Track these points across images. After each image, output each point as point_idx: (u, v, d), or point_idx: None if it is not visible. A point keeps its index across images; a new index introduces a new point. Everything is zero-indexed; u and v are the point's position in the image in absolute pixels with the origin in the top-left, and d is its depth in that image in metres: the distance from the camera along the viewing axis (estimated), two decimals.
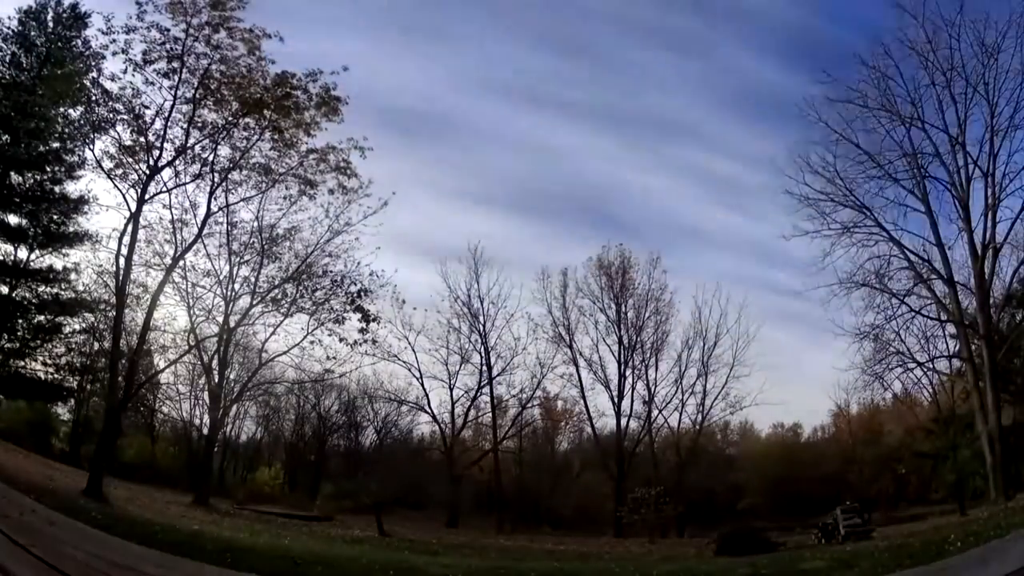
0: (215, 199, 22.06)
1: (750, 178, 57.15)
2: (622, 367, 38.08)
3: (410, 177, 50.73)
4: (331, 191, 23.25)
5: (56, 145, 23.31)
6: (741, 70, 51.76)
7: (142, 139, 19.99)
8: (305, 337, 24.74)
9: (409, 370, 36.01)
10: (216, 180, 21.52)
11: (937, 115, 23.83)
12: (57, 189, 25.21)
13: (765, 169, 51.52)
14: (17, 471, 17.24)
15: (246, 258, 25.15)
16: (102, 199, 24.15)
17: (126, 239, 19.87)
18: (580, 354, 38.29)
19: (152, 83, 19.42)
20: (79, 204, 25.22)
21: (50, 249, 25.35)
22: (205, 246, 24.09)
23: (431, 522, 31.01)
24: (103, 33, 19.20)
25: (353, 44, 46.50)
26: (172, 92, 19.54)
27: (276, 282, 24.75)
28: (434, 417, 37.37)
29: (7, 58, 23.51)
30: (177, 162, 20.62)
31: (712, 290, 38.90)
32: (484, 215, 59.35)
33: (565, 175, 55.71)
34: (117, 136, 20.13)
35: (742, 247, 59.10)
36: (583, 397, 38.68)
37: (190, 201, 22.40)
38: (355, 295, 24.57)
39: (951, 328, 25.86)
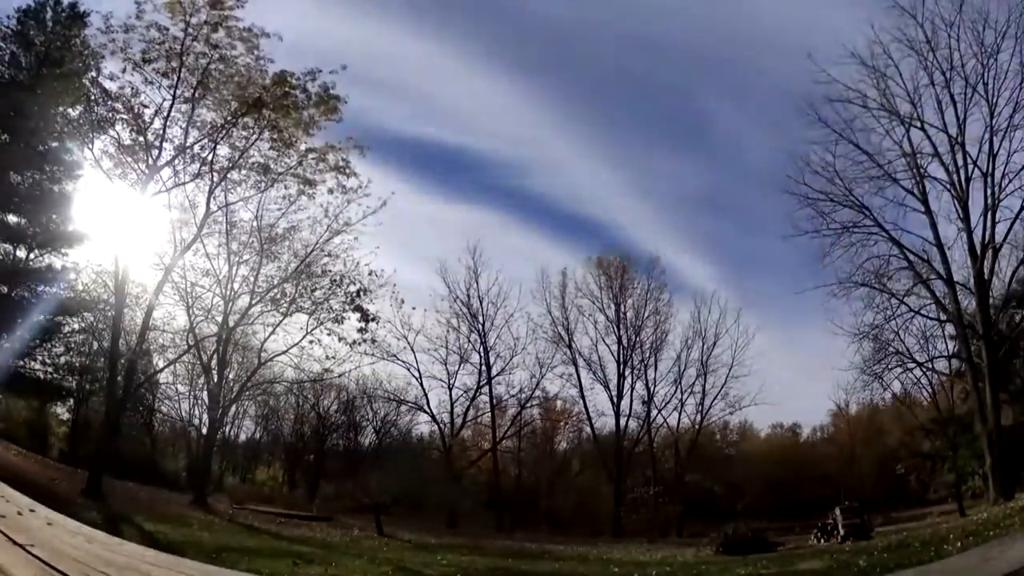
0: (214, 198, 22.13)
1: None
2: (621, 367, 38.23)
3: None
4: (330, 191, 23.28)
5: (55, 144, 23.26)
6: None
7: (141, 139, 20.02)
8: (304, 337, 24.78)
9: (408, 370, 36.15)
10: (215, 179, 21.57)
11: (936, 115, 23.80)
12: (56, 188, 25.17)
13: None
14: (16, 471, 17.24)
15: (245, 257, 25.16)
16: (101, 198, 24.19)
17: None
18: (579, 354, 38.48)
19: (151, 82, 19.49)
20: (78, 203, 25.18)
21: (49, 249, 25.30)
22: (204, 245, 24.14)
23: (430, 522, 31.01)
24: (102, 32, 19.28)
25: None
26: (171, 91, 19.60)
27: (275, 282, 24.77)
28: (433, 417, 37.49)
29: (6, 57, 23.44)
30: (176, 161, 20.66)
31: (711, 290, 39.19)
32: None
33: None
34: (116, 135, 20.20)
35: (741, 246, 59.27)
36: (582, 397, 38.86)
37: (189, 200, 22.45)
38: (354, 295, 24.60)
39: (950, 328, 25.87)
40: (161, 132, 19.93)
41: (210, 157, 21.00)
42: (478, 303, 37.45)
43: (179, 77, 19.50)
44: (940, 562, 9.87)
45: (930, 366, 27.84)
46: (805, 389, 57.97)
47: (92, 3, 22.63)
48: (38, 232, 24.91)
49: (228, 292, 24.61)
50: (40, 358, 25.82)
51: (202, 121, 20.45)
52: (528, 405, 39.31)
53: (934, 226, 23.86)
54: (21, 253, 25.02)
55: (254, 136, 21.08)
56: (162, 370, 28.84)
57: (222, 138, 20.83)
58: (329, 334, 24.59)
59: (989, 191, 22.75)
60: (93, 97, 19.75)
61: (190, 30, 19.09)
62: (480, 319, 37.44)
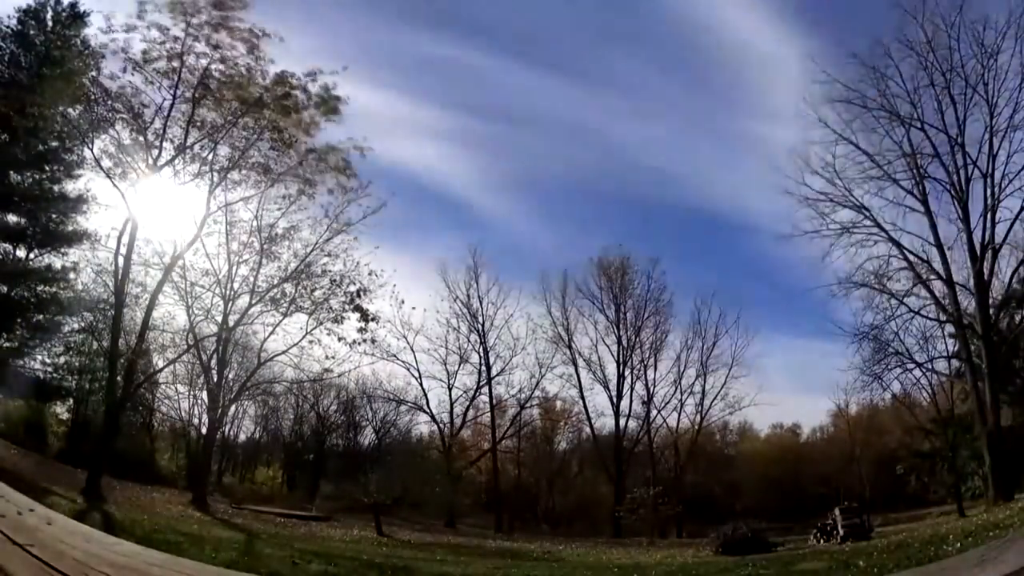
0: (214, 198, 22.06)
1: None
2: (621, 367, 38.30)
3: None
4: (330, 191, 23.23)
5: (55, 144, 23.28)
6: None
7: (141, 138, 19.98)
8: (304, 337, 24.69)
9: (408, 370, 36.24)
10: (215, 179, 21.52)
11: (936, 115, 23.84)
12: (56, 188, 25.20)
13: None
14: (16, 470, 17.25)
15: (245, 257, 25.08)
16: (101, 198, 24.21)
17: (125, 238, 19.87)
18: (579, 354, 38.54)
19: (152, 82, 19.42)
20: (78, 203, 25.23)
21: (49, 248, 25.33)
22: (204, 245, 24.09)
23: (429, 522, 31.04)
24: (103, 32, 19.21)
25: None
26: (171, 91, 19.54)
27: (275, 282, 24.70)
28: (433, 417, 37.55)
29: (6, 57, 23.49)
30: (176, 161, 20.61)
31: (711, 291, 39.26)
32: None
33: None
34: (116, 135, 20.12)
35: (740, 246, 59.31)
36: (582, 397, 38.92)
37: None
38: (354, 295, 24.56)
39: (950, 328, 25.87)
40: (161, 132, 19.90)
41: (210, 157, 20.97)
42: (478, 303, 37.57)
43: (179, 77, 19.46)
44: (939, 563, 9.85)
45: (930, 366, 27.83)
46: (805, 389, 58.14)
47: (93, 3, 22.68)
48: (38, 232, 24.95)
49: (228, 292, 24.58)
50: (40, 357, 25.90)
51: (202, 121, 20.40)
52: (528, 405, 39.41)
53: (934, 227, 23.92)
54: (21, 253, 25.06)
55: (254, 136, 21.04)
56: (161, 370, 28.76)
57: (222, 138, 20.78)
58: (329, 334, 24.53)
59: (989, 192, 22.81)
60: (93, 97, 19.69)
61: (191, 30, 19.07)
62: (480, 319, 37.53)
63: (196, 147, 20.59)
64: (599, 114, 59.65)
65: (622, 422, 38.05)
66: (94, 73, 19.75)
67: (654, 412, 38.65)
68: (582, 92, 57.91)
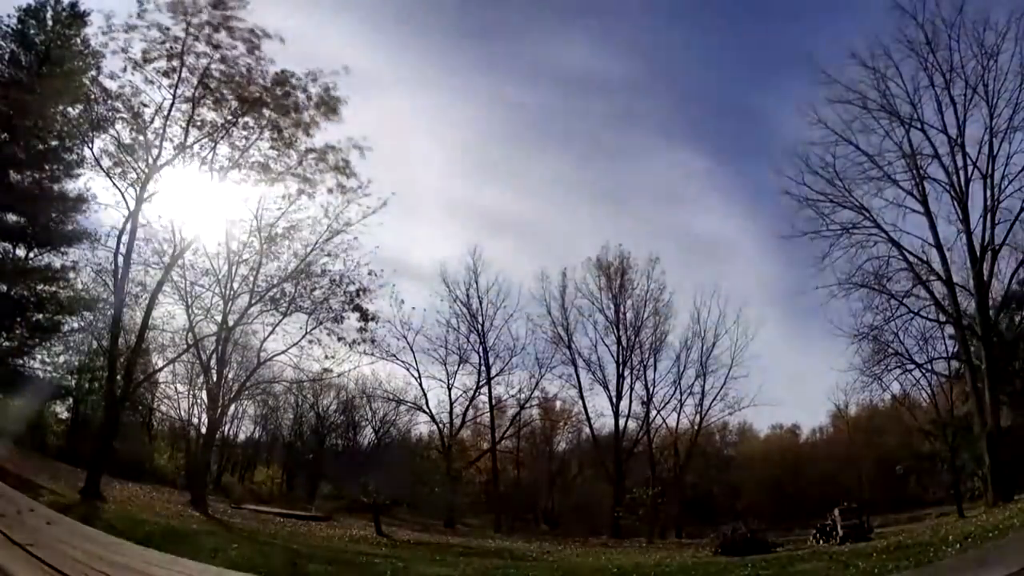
0: (214, 198, 22.04)
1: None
2: (620, 367, 38.19)
3: None
4: (330, 191, 23.22)
5: (55, 143, 23.25)
6: None
7: (141, 138, 19.99)
8: (304, 336, 24.70)
9: (407, 370, 36.20)
10: (215, 179, 21.52)
11: (936, 116, 23.88)
12: (56, 187, 25.18)
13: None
14: (15, 470, 17.23)
15: (245, 257, 25.08)
16: (101, 197, 24.19)
17: (125, 237, 19.88)
18: (579, 354, 38.46)
19: (152, 82, 19.46)
20: (78, 203, 25.21)
21: (49, 248, 25.32)
22: (204, 245, 24.09)
23: (429, 522, 31.03)
24: (103, 32, 19.25)
25: None
26: (172, 91, 19.56)
27: (275, 281, 24.70)
28: (432, 417, 37.50)
29: (6, 56, 23.48)
30: (176, 161, 20.62)
31: (711, 291, 39.19)
32: None
33: None
34: (116, 134, 20.14)
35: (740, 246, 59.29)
36: (581, 397, 38.81)
37: None
38: (354, 294, 24.56)
39: (950, 329, 25.92)
40: (161, 131, 19.91)
41: (210, 157, 20.99)
42: (477, 303, 37.59)
43: (180, 77, 19.49)
44: (939, 564, 9.90)
45: (929, 367, 27.89)
46: (805, 390, 58.13)
47: (93, 2, 22.69)
48: (38, 231, 24.93)
49: (228, 291, 24.55)
50: (39, 357, 25.84)
51: (202, 120, 20.43)
52: (527, 405, 39.37)
53: (933, 227, 23.96)
54: (21, 252, 25.04)
55: (254, 136, 21.05)
56: (161, 369, 28.79)
57: (222, 138, 20.81)
58: (328, 334, 24.55)
59: (989, 192, 22.87)
60: (93, 96, 19.72)
61: (191, 30, 19.09)
62: (480, 319, 37.55)
63: (196, 147, 20.62)
64: None
65: (622, 422, 37.99)
66: (94, 73, 19.83)
67: (653, 412, 38.59)
68: None
